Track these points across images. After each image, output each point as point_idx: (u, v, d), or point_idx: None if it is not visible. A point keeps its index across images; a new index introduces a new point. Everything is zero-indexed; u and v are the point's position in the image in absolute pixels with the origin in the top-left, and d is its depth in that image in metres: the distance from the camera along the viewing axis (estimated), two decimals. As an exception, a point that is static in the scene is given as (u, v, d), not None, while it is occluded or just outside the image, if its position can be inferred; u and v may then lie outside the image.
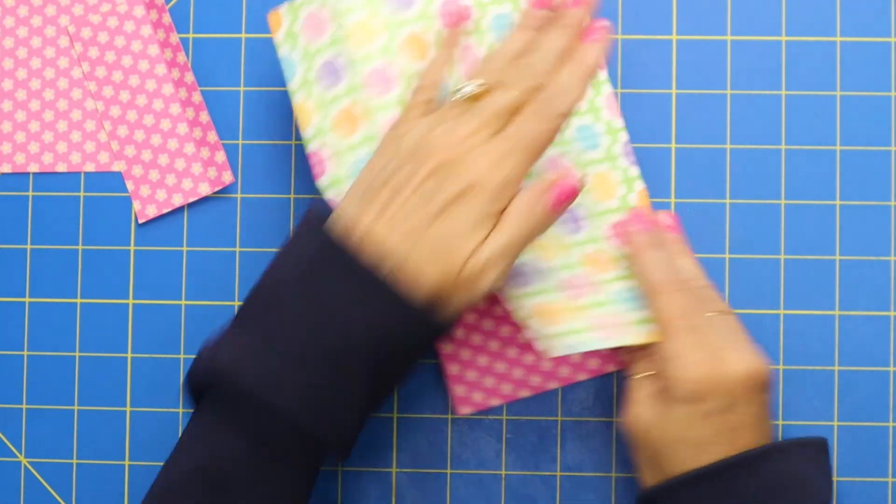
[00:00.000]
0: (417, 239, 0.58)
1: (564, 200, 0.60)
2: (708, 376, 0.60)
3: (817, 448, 0.61)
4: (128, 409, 0.71)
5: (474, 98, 0.60)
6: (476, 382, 0.69)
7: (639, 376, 0.63)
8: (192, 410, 0.72)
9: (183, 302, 0.71)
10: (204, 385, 0.59)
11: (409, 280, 0.58)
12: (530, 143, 0.59)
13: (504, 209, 0.59)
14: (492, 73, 0.60)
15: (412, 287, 0.57)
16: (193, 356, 0.71)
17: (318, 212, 0.60)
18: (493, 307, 0.69)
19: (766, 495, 0.58)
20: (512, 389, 0.69)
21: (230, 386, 0.58)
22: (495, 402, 0.69)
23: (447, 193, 0.58)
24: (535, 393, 0.69)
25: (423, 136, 0.59)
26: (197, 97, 0.71)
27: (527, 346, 0.69)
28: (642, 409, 0.62)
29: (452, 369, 0.69)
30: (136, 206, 0.71)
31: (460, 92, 0.60)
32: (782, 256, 0.69)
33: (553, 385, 0.69)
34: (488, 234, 0.58)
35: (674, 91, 0.70)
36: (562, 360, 0.69)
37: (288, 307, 0.58)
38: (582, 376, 0.69)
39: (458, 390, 0.69)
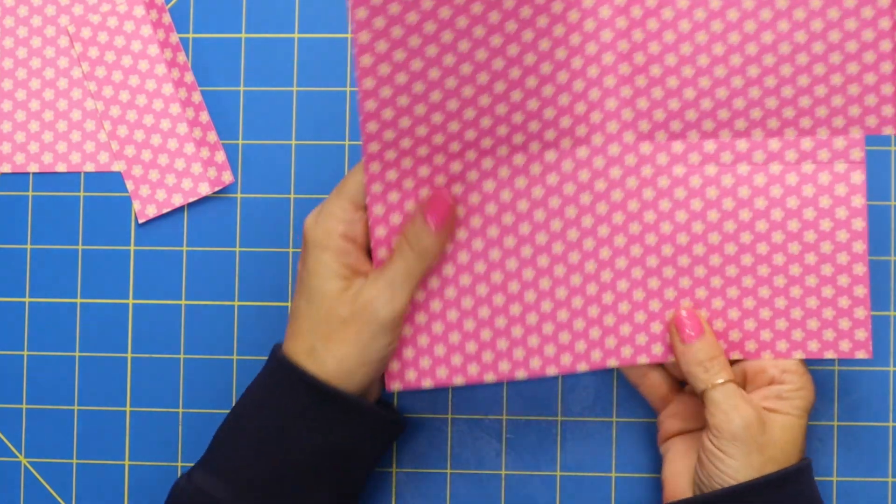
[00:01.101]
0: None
1: (444, 220, 0.63)
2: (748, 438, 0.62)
3: (810, 469, 0.63)
4: (128, 409, 0.71)
5: None
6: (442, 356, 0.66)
7: (724, 384, 0.63)
8: (193, 410, 0.72)
9: (183, 302, 0.71)
10: None
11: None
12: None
13: None
14: None
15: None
16: (193, 356, 0.71)
17: (277, 347, 0.64)
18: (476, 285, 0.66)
19: None
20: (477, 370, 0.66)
21: None
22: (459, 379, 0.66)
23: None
24: (502, 379, 0.66)
25: None
26: (197, 97, 0.71)
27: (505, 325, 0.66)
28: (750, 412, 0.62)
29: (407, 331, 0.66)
30: (136, 206, 0.71)
31: None
32: (782, 256, 0.69)
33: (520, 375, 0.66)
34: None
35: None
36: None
37: (242, 436, 0.62)
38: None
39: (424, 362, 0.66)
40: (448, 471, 0.70)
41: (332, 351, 0.61)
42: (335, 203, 0.63)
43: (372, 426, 0.63)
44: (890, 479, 0.69)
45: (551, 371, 0.65)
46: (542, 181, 0.65)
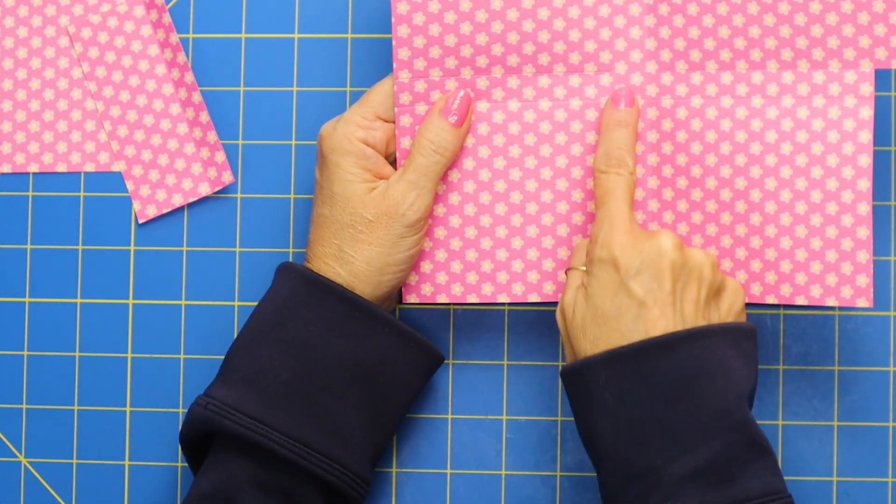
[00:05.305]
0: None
1: (463, 116, 0.65)
2: (629, 242, 0.60)
3: (739, 334, 0.60)
4: (128, 409, 0.71)
5: None
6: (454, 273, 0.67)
7: (574, 269, 0.63)
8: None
9: (183, 302, 0.71)
10: (195, 439, 0.64)
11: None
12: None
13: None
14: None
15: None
16: (193, 356, 0.71)
17: (288, 264, 0.65)
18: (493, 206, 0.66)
19: (682, 380, 0.57)
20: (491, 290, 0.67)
21: (220, 437, 0.63)
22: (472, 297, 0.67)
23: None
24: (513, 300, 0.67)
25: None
26: (197, 97, 0.71)
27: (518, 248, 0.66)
28: (571, 294, 0.62)
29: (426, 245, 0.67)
30: (136, 206, 0.71)
31: None
32: (782, 256, 0.69)
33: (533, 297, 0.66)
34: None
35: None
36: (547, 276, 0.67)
37: (265, 347, 0.63)
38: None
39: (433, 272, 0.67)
40: (448, 471, 0.70)
41: (360, 251, 0.63)
42: (355, 111, 0.65)
43: (398, 339, 0.64)
44: (890, 479, 0.69)
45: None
46: (565, 105, 0.66)
